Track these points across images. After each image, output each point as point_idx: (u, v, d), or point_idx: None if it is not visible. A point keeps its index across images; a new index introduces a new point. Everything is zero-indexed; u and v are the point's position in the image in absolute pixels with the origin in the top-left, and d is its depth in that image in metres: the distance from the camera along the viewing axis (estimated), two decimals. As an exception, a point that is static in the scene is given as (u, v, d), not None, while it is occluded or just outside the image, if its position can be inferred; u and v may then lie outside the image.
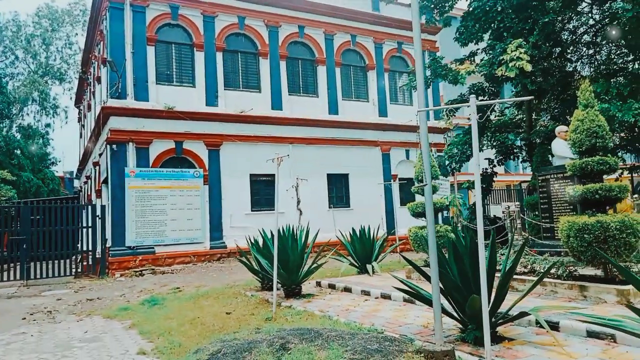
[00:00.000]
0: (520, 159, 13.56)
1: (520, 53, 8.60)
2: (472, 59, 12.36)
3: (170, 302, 9.21)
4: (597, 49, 12.40)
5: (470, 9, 11.62)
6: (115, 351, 5.97)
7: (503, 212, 22.50)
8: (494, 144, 13.24)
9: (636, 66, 9.61)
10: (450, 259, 5.06)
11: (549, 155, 11.30)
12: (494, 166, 13.30)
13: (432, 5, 12.82)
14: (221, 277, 13.02)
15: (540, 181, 8.72)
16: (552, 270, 6.78)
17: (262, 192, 17.72)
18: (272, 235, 8.46)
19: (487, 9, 9.89)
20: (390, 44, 21.35)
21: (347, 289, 8.69)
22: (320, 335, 5.49)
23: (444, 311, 5.13)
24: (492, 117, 12.72)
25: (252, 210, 17.26)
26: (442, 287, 5.06)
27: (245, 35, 18.23)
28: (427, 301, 5.15)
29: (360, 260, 10.49)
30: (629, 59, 11.25)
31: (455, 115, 13.39)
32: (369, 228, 10.93)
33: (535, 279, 6.32)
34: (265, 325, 6.56)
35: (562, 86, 10.79)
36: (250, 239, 9.76)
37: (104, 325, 7.71)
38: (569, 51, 11.65)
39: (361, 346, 5.01)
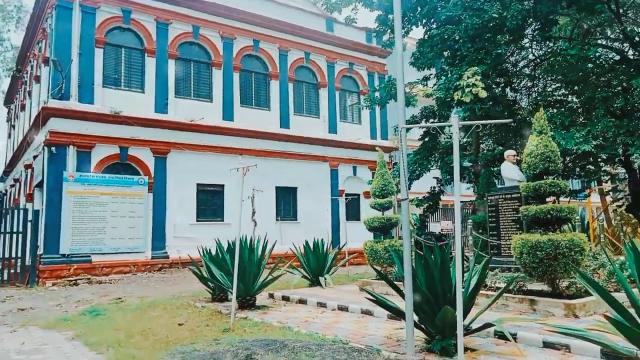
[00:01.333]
0: (467, 180, 14.24)
1: (476, 80, 9.12)
2: (425, 83, 12.91)
3: (113, 312, 8.74)
4: (535, 82, 13.38)
5: (427, 36, 12.18)
6: (62, 363, 5.57)
7: (441, 230, 23.39)
8: (441, 165, 13.80)
9: (574, 99, 10.48)
10: (418, 273, 5.18)
11: (494, 178, 11.97)
12: (442, 185, 13.88)
13: (389, 30, 13.26)
14: (164, 288, 12.53)
15: (489, 201, 9.17)
16: (503, 285, 7.13)
17: (209, 202, 17.35)
18: (230, 245, 8.30)
19: (446, 37, 10.43)
20: (342, 64, 21.81)
21: (302, 301, 8.65)
22: (286, 347, 5.43)
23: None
24: (441, 139, 13.28)
25: (197, 221, 16.82)
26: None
27: (199, 44, 17.98)
28: (398, 313, 5.23)
29: (313, 273, 10.50)
30: (566, 92, 12.22)
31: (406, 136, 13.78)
32: (322, 241, 10.99)
33: (489, 293, 6.63)
34: (224, 336, 6.38)
35: (507, 113, 11.52)
36: (202, 249, 9.49)
37: (43, 336, 7.16)
38: (513, 82, 12.48)
39: (329, 357, 5.01)
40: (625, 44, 12.58)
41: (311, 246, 10.71)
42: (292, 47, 20.19)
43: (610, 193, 13.84)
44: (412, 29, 13.23)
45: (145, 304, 9.44)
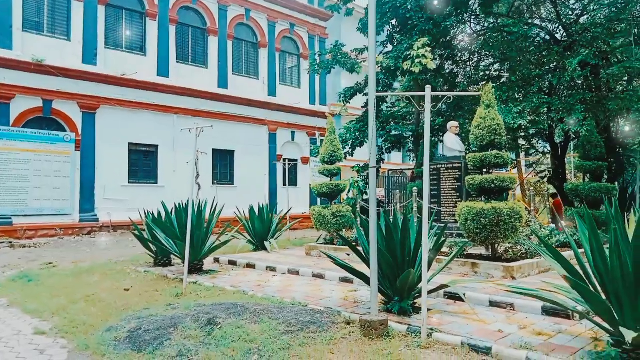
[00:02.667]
0: (406, 149, 14.66)
1: (426, 51, 9.30)
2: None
3: (47, 278, 8.23)
4: (472, 57, 13.90)
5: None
6: (3, 332, 5.20)
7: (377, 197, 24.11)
8: (381, 133, 14.09)
9: (511, 77, 11.06)
10: (379, 237, 5.32)
11: (433, 148, 12.43)
12: (382, 154, 14.21)
13: (337, -8, 13.07)
14: (97, 252, 11.96)
15: (431, 170, 9.54)
16: (445, 249, 7.56)
17: (141, 163, 16.60)
18: (177, 208, 8.04)
19: (398, 5, 10.46)
20: (283, 24, 21.30)
21: (251, 265, 8.64)
22: (247, 310, 5.44)
23: (368, 284, 5.42)
24: (382, 108, 13.49)
25: (129, 182, 16.08)
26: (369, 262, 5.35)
27: (132, -9, 16.71)
28: (362, 277, 5.37)
29: (257, 238, 10.47)
30: (502, 68, 12.82)
31: (349, 103, 13.91)
32: (266, 206, 10.95)
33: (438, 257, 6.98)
34: (177, 301, 6.26)
35: (447, 86, 11.91)
36: (144, 212, 9.11)
37: (-28, 303, 6.63)
38: (454, 55, 12.86)
39: (293, 319, 5.09)
40: (556, 25, 13.33)
41: (256, 211, 10.63)
42: (233, 2, 19.36)
43: (534, 166, 14.92)
44: (360, -6, 13.12)
45: (81, 269, 8.98)
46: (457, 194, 9.16)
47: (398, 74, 11.95)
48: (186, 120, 17.53)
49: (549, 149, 13.50)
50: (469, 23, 14.45)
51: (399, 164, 28.40)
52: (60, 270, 9.11)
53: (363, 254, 5.38)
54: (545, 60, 11.43)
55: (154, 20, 17.01)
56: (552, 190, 14.07)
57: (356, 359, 4.08)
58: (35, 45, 14.21)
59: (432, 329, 4.53)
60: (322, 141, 22.06)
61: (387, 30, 12.03)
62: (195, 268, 8.15)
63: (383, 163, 14.92)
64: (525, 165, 18.19)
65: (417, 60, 9.31)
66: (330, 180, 9.64)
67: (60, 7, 15.06)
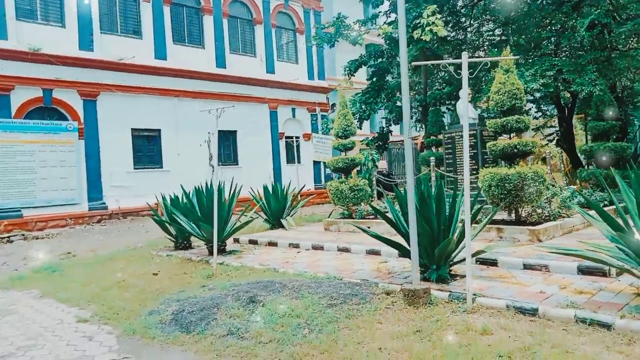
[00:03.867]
0: (414, 119, 14.62)
1: (436, 19, 9.18)
2: (374, 21, 12.78)
3: (71, 268, 8.25)
4: (479, 22, 13.73)
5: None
6: (46, 322, 5.24)
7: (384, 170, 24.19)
8: (388, 104, 14.01)
9: (520, 40, 10.94)
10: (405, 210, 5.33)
11: (441, 116, 12.40)
12: (390, 125, 14.16)
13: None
14: (111, 240, 11.97)
15: (445, 138, 9.54)
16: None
17: (145, 148, 16.49)
18: (199, 190, 8.02)
19: (404, -29, 10.25)
20: (277, -1, 20.92)
21: (272, 244, 8.68)
22: (285, 286, 5.49)
23: (405, 254, 5.48)
24: (389, 79, 13.39)
25: (134, 169, 15.99)
26: (406, 233, 5.39)
27: (123, -27, 16.30)
28: (399, 247, 5.39)
29: (274, 216, 10.50)
30: (507, 31, 12.67)
31: (354, 75, 13.78)
32: (281, 183, 10.95)
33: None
34: (210, 282, 6.30)
35: (455, 52, 11.80)
36: (162, 196, 9.10)
37: (5, 297, 6.65)
38: (460, 21, 12.71)
39: (333, 292, 5.15)
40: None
41: (270, 189, 10.64)
42: (225, -21, 18.93)
43: (540, 129, 14.97)
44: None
45: (102, 257, 9.01)
46: (473, 161, 9.17)
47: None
48: (187, 103, 17.40)
49: (556, 111, 13.49)
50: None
51: (397, 135, 28.35)
52: (81, 259, 9.14)
53: (397, 225, 5.40)
54: (551, 21, 11.30)
55: (148, 2, 16.65)
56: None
57: (405, 327, 4.15)
58: (31, 34, 13.90)
59: (474, 294, 4.60)
60: (323, 116, 22.04)
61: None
62: (219, 249, 8.15)
63: (391, 135, 14.88)
64: (532, 129, 18.19)
65: (427, 29, 9.21)
66: (345, 154, 9.62)
67: (53, -7, 14.69)
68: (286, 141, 20.62)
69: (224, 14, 18.88)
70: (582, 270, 5.06)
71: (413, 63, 5.57)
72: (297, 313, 4.64)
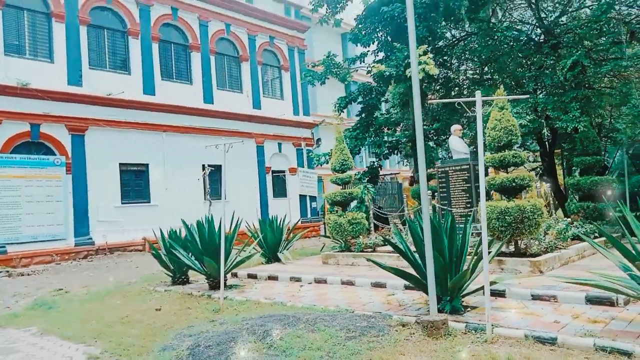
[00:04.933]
0: (403, 154, 14.94)
1: (428, 58, 9.60)
2: (363, 60, 13.23)
3: (67, 304, 8.05)
4: (461, 62, 14.35)
5: (364, 12, 12.41)
6: (55, 359, 5.10)
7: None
8: (375, 139, 14.34)
9: (500, 78, 11.50)
10: (420, 240, 5.47)
11: (431, 152, 12.73)
12: (380, 159, 14.45)
13: (325, 4, 13.30)
14: (101, 275, 11.69)
15: (440, 172, 9.81)
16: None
17: (133, 183, 16.34)
18: (200, 224, 7.99)
19: (395, 14, 10.75)
20: (262, 37, 21.41)
21: (273, 277, 8.65)
22: (299, 320, 5.49)
23: (418, 286, 5.58)
24: (377, 115, 13.76)
25: (122, 203, 15.78)
26: (418, 265, 5.51)
27: (113, 10, 16.53)
28: (414, 279, 5.48)
29: (270, 250, 10.48)
30: (492, 70, 13.25)
31: (343, 112, 14.12)
32: (276, 217, 10.99)
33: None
34: (218, 316, 6.25)
35: (443, 90, 12.25)
36: (160, 231, 9.03)
37: (1, 335, 6.43)
38: (447, 61, 13.27)
39: (350, 325, 5.18)
40: (535, 27, 13.90)
41: (267, 223, 10.65)
42: (213, 17, 19.36)
43: (524, 164, 15.45)
44: (347, 4, 13.40)
45: (97, 293, 8.81)
46: (467, 195, 9.43)
47: (391, 81, 12.21)
48: (175, 138, 17.46)
49: (538, 147, 14.02)
50: (457, 29, 14.90)
51: (384, 169, 28.83)
52: (75, 295, 8.91)
53: (410, 258, 5.51)
54: (533, 60, 11.90)
55: (137, 38, 16.86)
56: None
57: (428, 358, 4.20)
58: (19, 68, 13.86)
59: (492, 325, 4.70)
60: (308, 151, 22.31)
61: (381, 37, 12.28)
62: (219, 284, 8.11)
63: (381, 169, 15.15)
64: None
65: (419, 67, 9.60)
66: (343, 189, 9.76)
67: (42, 28, 14.77)
68: (275, 175, 20.74)
69: (212, 51, 19.22)
70: (591, 300, 5.23)
71: (429, 101, 5.83)
72: (317, 346, 4.65)
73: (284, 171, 21.38)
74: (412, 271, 5.60)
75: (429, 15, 10.67)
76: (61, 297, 8.86)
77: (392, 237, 6.02)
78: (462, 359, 4.08)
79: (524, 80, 11.27)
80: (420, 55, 9.62)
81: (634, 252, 4.17)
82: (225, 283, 8.21)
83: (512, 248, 7.50)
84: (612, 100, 10.73)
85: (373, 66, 10.95)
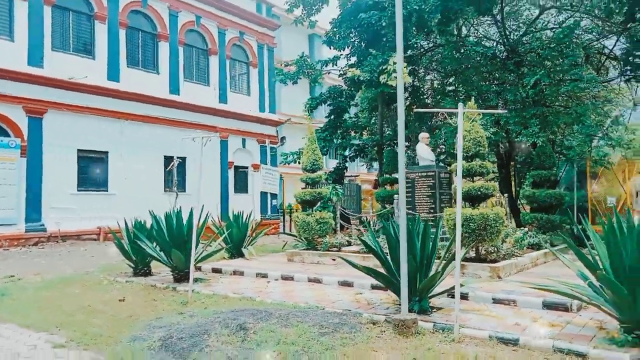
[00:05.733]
0: (368, 158, 15.21)
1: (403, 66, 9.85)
2: (335, 63, 13.41)
3: (21, 292, 7.74)
4: (429, 72, 14.81)
5: (340, 17, 12.61)
6: (18, 348, 4.94)
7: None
8: (342, 141, 14.55)
9: (470, 92, 12.00)
10: (394, 242, 5.66)
11: (396, 157, 13.04)
12: (346, 161, 14.65)
13: (301, 5, 13.39)
14: (55, 263, 11.27)
15: (406, 178, 10.08)
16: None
17: (91, 170, 15.83)
18: (169, 216, 7.90)
19: (373, 21, 10.97)
20: (232, 32, 21.23)
21: (239, 273, 8.65)
22: (272, 315, 5.56)
23: (390, 286, 5.76)
24: (346, 117, 13.97)
25: (78, 190, 15.26)
26: (389, 266, 5.69)
27: (80, -9, 15.97)
28: (386, 279, 5.65)
29: (234, 245, 10.45)
30: (457, 83, 13.76)
31: (312, 113, 14.26)
32: (242, 213, 10.96)
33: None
34: (187, 309, 6.22)
35: (412, 98, 12.61)
36: (124, 221, 8.85)
37: (-47, 322, 6.14)
38: (417, 70, 13.64)
39: (323, 321, 5.29)
40: (498, 45, 14.52)
41: (231, 217, 10.62)
42: (183, 8, 19.03)
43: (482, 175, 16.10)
44: (326, 4, 13.53)
45: (52, 282, 8.52)
46: (432, 201, 9.77)
47: (363, 86, 12.45)
48: (137, 127, 17.05)
49: (496, 159, 14.64)
50: (426, 40, 15.32)
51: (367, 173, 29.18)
52: (28, 283, 8.57)
53: (384, 259, 5.69)
54: (496, 76, 12.45)
55: (103, 23, 16.36)
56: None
57: (400, 355, 4.38)
58: (-24, 43, 13.19)
59: (460, 325, 4.93)
60: (272, 149, 22.32)
61: (355, 42, 12.48)
62: (185, 276, 8.05)
63: (347, 171, 15.37)
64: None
65: (393, 75, 9.87)
66: (312, 188, 9.87)
67: (3, 5, 14.09)
68: (237, 170, 20.61)
69: (180, 41, 18.89)
70: (547, 305, 5.58)
71: (415, 110, 6.03)
72: (292, 340, 4.73)
73: (246, 167, 21.27)
74: (382, 271, 5.78)
75: (404, 24, 10.93)
76: (13, 284, 8.51)
77: (367, 238, 6.18)
78: (432, 357, 4.27)
79: (488, 94, 11.79)
80: (394, 63, 9.86)
81: (593, 262, 4.50)
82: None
83: (472, 254, 7.84)
84: (567, 118, 11.39)
85: (348, 70, 11.14)
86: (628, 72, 11.69)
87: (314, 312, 5.67)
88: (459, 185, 5.04)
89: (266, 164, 21.75)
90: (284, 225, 22.51)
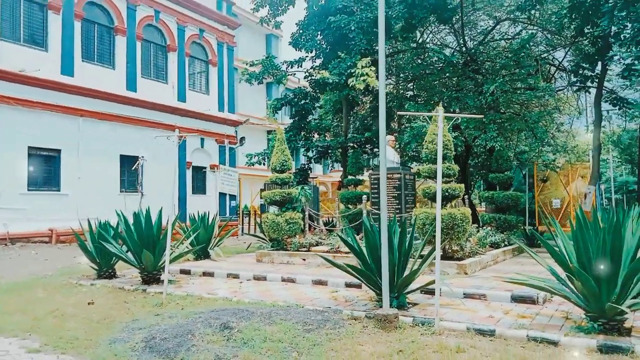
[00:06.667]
0: (333, 159, 15.39)
1: (370, 70, 10.10)
2: (300, 64, 13.49)
3: (-23, 296, 7.35)
4: (390, 77, 15.19)
5: (306, 19, 12.73)
6: (-12, 353, 4.72)
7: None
8: (305, 143, 14.66)
9: (432, 97, 12.43)
10: (371, 241, 5.84)
11: (361, 159, 13.32)
12: (310, 162, 14.76)
13: (267, 5, 13.40)
14: (8, 267, 10.69)
15: (373, 179, 10.35)
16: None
17: (42, 169, 15.13)
18: (138, 217, 7.73)
19: (342, 25, 11.14)
20: (192, 29, 20.89)
21: (208, 274, 8.57)
22: (253, 314, 5.59)
23: (370, 283, 5.93)
24: (310, 119, 14.09)
25: (28, 190, 14.54)
26: (368, 264, 5.86)
27: (31, -19, 15.24)
28: (367, 277, 5.79)
29: (201, 246, 10.31)
30: (417, 88, 14.21)
31: (277, 114, 14.28)
32: (206, 214, 10.84)
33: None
34: (164, 310, 6.13)
35: (376, 102, 12.85)
36: (88, 221, 8.57)
37: None
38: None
39: (306, 318, 5.38)
40: (456, 53, 15.12)
41: (196, 218, 10.48)
42: (142, 1, 18.54)
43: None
44: (289, 9, 13.60)
45: (10, 285, 8.13)
46: (397, 201, 10.05)
47: (327, 88, 12.61)
48: (92, 124, 16.45)
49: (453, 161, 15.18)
50: (388, 46, 15.70)
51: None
52: (-17, 287, 8.14)
53: (363, 257, 5.84)
54: (455, 82, 12.97)
55: (57, 13, 15.68)
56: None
57: (385, 347, 4.54)
58: None
59: (435, 319, 5.15)
60: (230, 149, 22.10)
61: (321, 44, 12.62)
62: (154, 278, 7.91)
63: (311, 172, 15.47)
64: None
65: (360, 78, 10.08)
66: (281, 189, 9.90)
67: (-53, -10, 13.25)
68: (195, 171, 20.25)
69: (138, 36, 18.39)
70: (515, 299, 5.92)
71: (399, 113, 6.24)
72: (278, 338, 4.79)
73: (204, 167, 20.97)
74: (363, 269, 5.93)
75: (371, 29, 11.23)
76: (-33, 288, 8.05)
77: (346, 237, 6.31)
78: (416, 348, 4.46)
79: (448, 100, 12.26)
80: (363, 67, 10.10)
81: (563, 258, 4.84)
82: (159, 278, 8.04)
83: (441, 252, 8.14)
84: (521, 125, 12.04)
85: (318, 72, 11.26)
86: (577, 83, 12.51)
87: (295, 310, 5.74)
88: (439, 185, 5.29)
89: (225, 165, 21.51)
90: (242, 227, 22.35)
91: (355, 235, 6.62)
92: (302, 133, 14.15)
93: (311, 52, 12.94)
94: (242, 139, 22.22)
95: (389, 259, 5.48)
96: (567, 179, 16.16)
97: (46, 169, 15.18)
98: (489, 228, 10.06)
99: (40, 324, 5.68)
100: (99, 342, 4.96)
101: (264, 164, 15.95)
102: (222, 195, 21.35)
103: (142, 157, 13.63)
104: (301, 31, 12.67)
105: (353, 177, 12.52)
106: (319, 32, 12.06)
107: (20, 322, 5.76)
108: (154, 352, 4.56)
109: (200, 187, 20.75)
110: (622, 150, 20.68)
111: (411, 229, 6.14)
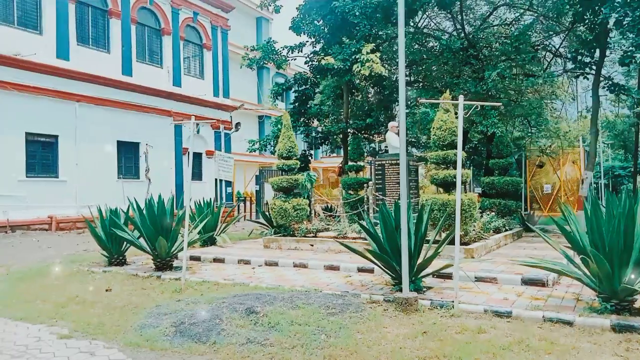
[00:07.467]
0: (333, 145, 15.46)
1: (375, 56, 10.15)
2: (301, 49, 13.47)
3: (-6, 284, 7.42)
4: (397, 62, 15.18)
5: (308, 4, 12.66)
6: (21, 340, 4.81)
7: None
8: (304, 129, 14.72)
9: (434, 83, 12.49)
10: (383, 227, 6.00)
11: (362, 145, 13.43)
12: (311, 149, 14.83)
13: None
14: (13, 255, 10.74)
15: (377, 165, 10.49)
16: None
17: (40, 155, 15.03)
18: (150, 204, 7.79)
19: (347, 10, 11.12)
20: (186, 12, 20.68)
21: (219, 260, 8.69)
22: (275, 298, 5.74)
23: (388, 268, 6.10)
24: (310, 105, 14.12)
25: (27, 177, 14.46)
26: (385, 249, 6.02)
27: (24, -38, 14.93)
28: (385, 262, 5.96)
29: (207, 232, 10.40)
30: (421, 74, 14.27)
31: (278, 99, 14.28)
32: (211, 200, 10.92)
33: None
34: (184, 297, 6.25)
35: (377, 87, 12.93)
36: (97, 208, 8.61)
37: None
38: (384, 59, 13.97)
39: (327, 302, 5.55)
40: (454, 39, 15.16)
41: (201, 204, 10.56)
42: (135, -15, 18.29)
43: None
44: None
45: (23, 274, 8.18)
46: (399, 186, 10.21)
47: (329, 74, 12.63)
48: (89, 109, 16.32)
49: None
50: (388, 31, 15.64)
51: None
52: (-2, 274, 8.19)
53: (381, 242, 6.01)
54: (453, 67, 13.05)
55: (51, -4, 15.43)
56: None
57: (409, 329, 4.72)
58: None
59: (453, 302, 5.36)
60: (226, 134, 22.07)
61: (322, 29, 12.60)
62: (167, 264, 8.01)
63: (312, 158, 15.55)
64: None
65: (366, 64, 10.13)
66: (287, 175, 10.00)
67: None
68: (195, 157, 20.20)
69: (133, 20, 18.18)
70: (526, 282, 6.15)
71: (420, 100, 6.31)
72: (304, 321, 4.95)
73: (200, 153, 20.94)
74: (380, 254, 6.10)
75: (374, 15, 11.25)
76: (-21, 276, 8.09)
77: (365, 223, 6.47)
78: (440, 329, 4.65)
79: (450, 86, 12.36)
80: (367, 53, 10.15)
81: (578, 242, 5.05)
82: (172, 264, 8.15)
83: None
84: (521, 110, 12.22)
85: (322, 58, 11.26)
86: (576, 70, 12.69)
87: (315, 295, 5.90)
88: (459, 172, 5.44)
89: (220, 151, 21.49)
90: (238, 213, 22.41)
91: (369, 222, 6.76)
92: (302, 119, 14.20)
93: (312, 37, 12.91)
94: (238, 124, 22.19)
95: (408, 244, 5.65)
96: (557, 164, 16.50)
97: (44, 155, 15.08)
98: (492, 213, 10.29)
99: (65, 311, 5.78)
100: (127, 327, 5.08)
101: (265, 150, 15.98)
102: (217, 181, 21.41)
103: (148, 144, 13.54)
104: (301, 16, 12.63)
105: (354, 163, 12.65)
106: (321, 17, 12.04)
107: (43, 310, 5.86)
108: (185, 337, 4.69)
109: (196, 173, 20.74)
110: (615, 136, 21.13)
111: (426, 215, 6.29)
